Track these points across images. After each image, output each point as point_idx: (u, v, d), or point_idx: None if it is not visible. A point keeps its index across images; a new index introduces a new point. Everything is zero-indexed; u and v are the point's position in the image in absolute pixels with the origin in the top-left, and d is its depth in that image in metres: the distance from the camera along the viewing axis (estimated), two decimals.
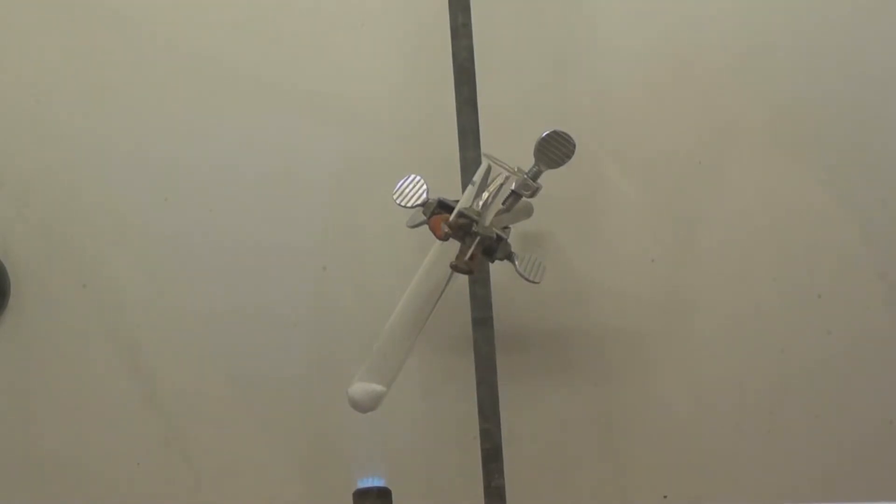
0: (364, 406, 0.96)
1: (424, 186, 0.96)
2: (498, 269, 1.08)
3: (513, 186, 0.94)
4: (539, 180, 0.94)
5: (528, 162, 0.94)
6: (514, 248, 0.97)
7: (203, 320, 1.27)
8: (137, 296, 1.28)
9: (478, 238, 0.93)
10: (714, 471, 1.26)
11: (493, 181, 0.96)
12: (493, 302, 1.13)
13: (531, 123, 1.17)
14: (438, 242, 0.96)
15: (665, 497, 1.27)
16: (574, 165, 0.94)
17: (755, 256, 1.24)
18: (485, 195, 0.95)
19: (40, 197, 1.27)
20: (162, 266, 1.27)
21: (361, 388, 0.96)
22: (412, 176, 0.97)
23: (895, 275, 1.23)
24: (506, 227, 0.99)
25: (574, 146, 0.93)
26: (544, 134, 0.92)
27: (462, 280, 1.10)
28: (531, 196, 0.95)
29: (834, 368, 1.25)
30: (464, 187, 1.01)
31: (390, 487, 1.24)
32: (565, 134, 0.92)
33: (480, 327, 1.12)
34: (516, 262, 0.96)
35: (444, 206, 0.97)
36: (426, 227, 0.98)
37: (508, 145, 1.05)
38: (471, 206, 0.95)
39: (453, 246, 0.94)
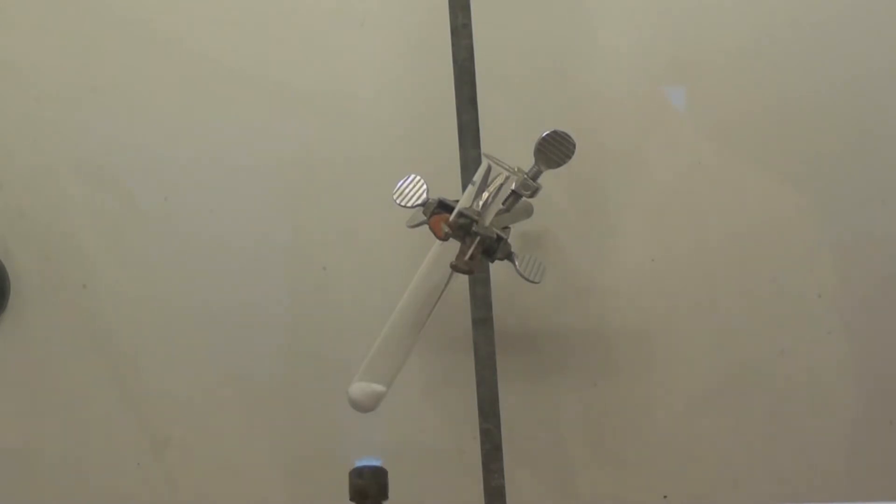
0: (364, 406, 0.96)
1: (424, 186, 0.96)
2: (498, 269, 1.08)
3: (513, 186, 0.94)
4: (539, 180, 0.94)
5: (528, 162, 0.94)
6: (514, 248, 0.97)
7: (203, 320, 1.27)
8: (137, 296, 1.28)
9: (478, 238, 0.92)
10: (714, 471, 1.26)
11: (493, 181, 0.96)
12: (493, 302, 1.13)
13: (531, 123, 1.17)
14: (438, 242, 0.96)
15: (665, 497, 1.27)
16: (574, 165, 0.94)
17: (755, 256, 1.24)
18: (485, 195, 0.95)
19: (40, 197, 1.27)
20: (162, 266, 1.27)
21: (361, 387, 0.96)
22: (412, 176, 0.97)
23: (895, 274, 1.23)
24: (506, 227, 0.99)
25: (574, 146, 0.92)
26: (544, 134, 0.92)
27: (462, 280, 1.10)
28: (531, 196, 0.95)
29: (834, 368, 1.24)
30: (464, 187, 1.01)
31: (389, 488, 1.24)
32: (565, 134, 0.92)
33: (480, 327, 1.12)
34: (516, 262, 0.96)
35: (444, 206, 0.97)
36: (426, 227, 0.98)
37: (508, 145, 1.05)
38: (471, 206, 0.94)
39: (453, 246, 0.94)
